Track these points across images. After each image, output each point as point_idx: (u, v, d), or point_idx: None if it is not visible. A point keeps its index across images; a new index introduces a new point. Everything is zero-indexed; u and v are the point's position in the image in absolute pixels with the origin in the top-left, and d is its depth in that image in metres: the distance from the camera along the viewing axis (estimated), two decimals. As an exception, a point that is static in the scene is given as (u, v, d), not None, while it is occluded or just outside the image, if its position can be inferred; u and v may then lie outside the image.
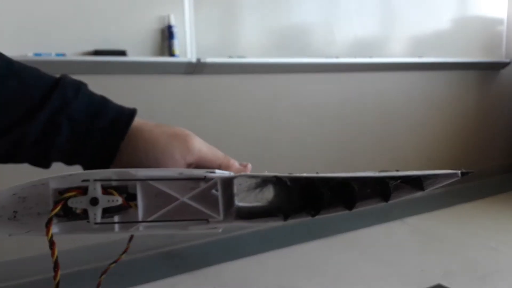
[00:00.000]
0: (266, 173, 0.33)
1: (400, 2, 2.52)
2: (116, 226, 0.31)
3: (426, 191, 0.30)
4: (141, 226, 0.31)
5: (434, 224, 2.21)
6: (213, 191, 0.32)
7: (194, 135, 0.39)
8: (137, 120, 0.40)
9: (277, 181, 0.32)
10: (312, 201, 0.31)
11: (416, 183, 0.31)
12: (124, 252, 0.40)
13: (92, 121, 0.38)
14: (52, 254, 0.29)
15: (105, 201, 0.30)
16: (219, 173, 0.32)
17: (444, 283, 1.57)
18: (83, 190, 0.30)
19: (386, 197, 0.31)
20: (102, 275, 0.41)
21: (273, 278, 1.65)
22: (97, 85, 1.72)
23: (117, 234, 0.32)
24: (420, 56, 2.60)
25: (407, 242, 1.99)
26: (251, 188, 0.35)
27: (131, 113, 0.40)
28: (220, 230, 0.32)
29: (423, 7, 2.62)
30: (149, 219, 0.31)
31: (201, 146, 0.39)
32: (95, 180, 0.30)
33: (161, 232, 0.32)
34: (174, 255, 1.89)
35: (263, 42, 2.12)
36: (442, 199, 2.64)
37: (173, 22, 1.82)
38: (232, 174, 0.33)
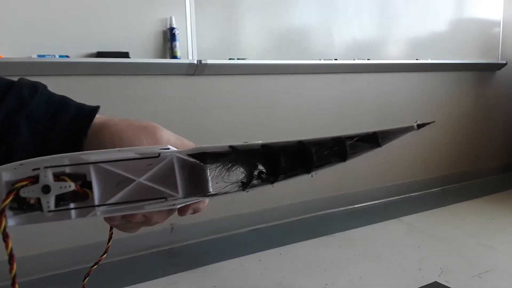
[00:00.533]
0: (221, 144, 0.31)
1: (397, 5, 2.54)
2: (72, 212, 0.30)
3: (383, 146, 0.30)
4: (98, 211, 0.30)
5: (431, 223, 2.23)
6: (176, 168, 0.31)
7: (162, 127, 0.38)
8: (101, 116, 0.39)
9: (233, 152, 0.30)
10: (270, 169, 0.31)
11: (372, 139, 0.31)
12: (105, 253, 0.39)
13: (52, 119, 0.37)
14: (6, 246, 0.28)
15: (57, 188, 0.29)
16: (173, 149, 0.30)
17: (441, 281, 1.58)
18: (34, 179, 0.29)
19: (343, 157, 0.30)
20: (85, 278, 0.40)
21: (272, 276, 1.66)
22: (100, 86, 1.76)
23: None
24: (417, 58, 2.62)
25: (404, 240, 2.00)
26: (218, 169, 0.33)
27: (93, 109, 0.39)
28: (178, 206, 0.31)
29: (421, 10, 2.64)
30: (106, 203, 0.30)
31: (169, 137, 0.37)
32: (46, 167, 0.29)
33: (118, 214, 0.31)
34: (175, 253, 1.90)
35: (263, 44, 2.14)
36: (439, 198, 2.66)
37: (174, 24, 1.83)
38: (186, 151, 0.31)
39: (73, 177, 0.30)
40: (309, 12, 2.25)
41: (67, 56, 1.65)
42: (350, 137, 0.31)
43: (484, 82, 3.04)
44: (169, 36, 1.83)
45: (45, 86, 0.39)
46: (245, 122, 2.13)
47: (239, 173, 0.32)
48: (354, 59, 2.38)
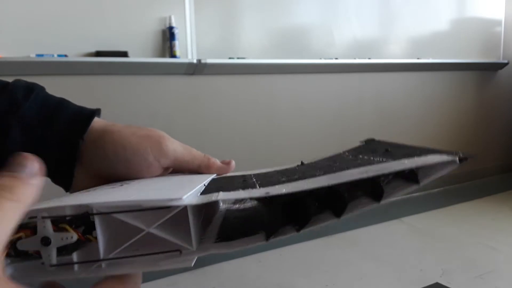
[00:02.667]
0: (239, 191, 0.28)
1: (398, 4, 2.54)
2: (76, 266, 0.27)
3: (422, 184, 0.26)
4: (103, 264, 0.27)
5: (432, 223, 2.22)
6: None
7: (168, 136, 0.36)
8: (102, 121, 0.37)
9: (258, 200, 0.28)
10: (296, 214, 0.28)
11: (410, 176, 0.27)
12: None
13: (47, 123, 0.35)
14: None
15: (59, 239, 0.26)
16: (187, 200, 0.26)
17: (442, 282, 1.58)
18: (32, 229, 0.26)
19: (378, 197, 0.27)
20: None
21: (272, 276, 1.66)
22: (98, 85, 1.75)
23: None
24: (418, 57, 2.61)
25: (405, 241, 2.00)
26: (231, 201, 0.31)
27: (92, 112, 0.37)
28: (192, 264, 0.27)
29: (422, 9, 2.63)
30: (111, 255, 0.26)
31: (176, 147, 0.36)
32: (43, 217, 0.26)
33: (128, 271, 0.27)
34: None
35: (263, 43, 2.13)
36: (441, 199, 2.66)
37: (174, 23, 1.83)
38: (201, 199, 0.27)
39: (72, 221, 0.27)
40: (309, 11, 2.24)
41: (65, 56, 1.65)
42: (385, 175, 0.26)
43: (486, 82, 3.03)
44: (169, 35, 1.83)
45: (42, 88, 0.37)
46: (245, 121, 2.12)
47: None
48: (355, 59, 2.37)
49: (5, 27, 1.57)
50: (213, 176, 0.41)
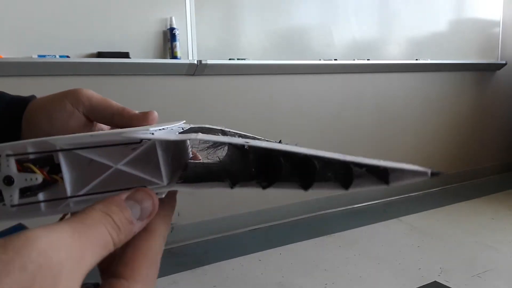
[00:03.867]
0: (219, 136, 0.28)
1: (397, 5, 2.55)
2: (42, 205, 0.25)
3: (390, 185, 0.27)
4: (71, 202, 0.26)
5: (431, 223, 2.23)
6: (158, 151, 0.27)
7: (86, 89, 0.37)
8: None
9: (233, 148, 0.27)
10: (267, 171, 0.27)
11: (382, 174, 0.27)
12: None
13: None
14: None
15: (22, 180, 0.24)
16: (158, 135, 0.25)
17: (440, 280, 1.58)
18: None
19: (346, 184, 0.27)
20: None
21: (272, 276, 1.66)
22: (100, 86, 1.76)
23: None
24: (417, 58, 2.63)
25: (404, 240, 2.00)
26: (204, 147, 0.30)
27: (30, 96, 0.39)
28: (163, 196, 0.26)
29: (420, 10, 2.65)
30: (80, 193, 0.25)
31: (91, 95, 0.37)
32: (8, 155, 0.25)
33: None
34: (175, 253, 1.91)
35: (263, 44, 2.14)
36: (439, 198, 2.67)
37: (175, 24, 1.84)
38: (179, 136, 0.26)
39: (38, 161, 0.25)
40: (309, 12, 2.25)
41: (67, 56, 1.65)
42: (359, 165, 0.27)
43: (484, 82, 3.04)
44: (169, 36, 1.84)
45: None
46: (245, 122, 2.13)
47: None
48: (354, 59, 2.39)
49: (7, 28, 1.58)
50: (188, 125, 0.41)
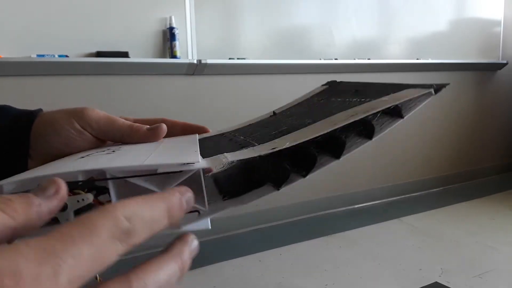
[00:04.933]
0: (245, 150, 0.28)
1: (397, 4, 2.54)
2: None
3: (405, 117, 0.28)
4: None
5: (431, 223, 2.23)
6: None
7: (91, 108, 0.38)
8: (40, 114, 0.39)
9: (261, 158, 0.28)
10: (298, 161, 0.28)
11: (395, 112, 0.29)
12: None
13: None
14: None
15: (75, 202, 0.26)
16: (198, 165, 0.26)
17: (441, 281, 1.58)
18: None
19: (370, 135, 0.29)
20: None
21: (272, 276, 1.66)
22: (99, 86, 1.75)
23: None
24: (418, 58, 2.62)
25: (404, 240, 2.00)
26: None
27: (34, 110, 0.39)
28: (209, 225, 0.28)
29: (421, 9, 2.64)
30: None
31: (99, 117, 0.38)
32: None
33: None
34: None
35: (263, 43, 2.13)
36: (440, 198, 2.66)
37: (174, 24, 1.83)
38: (211, 161, 0.27)
39: (84, 185, 0.27)
40: (309, 11, 2.24)
41: (66, 56, 1.65)
42: (375, 114, 0.28)
43: (485, 82, 3.04)
44: (169, 35, 1.83)
45: None
46: (245, 122, 2.13)
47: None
48: (355, 59, 2.38)
49: (6, 28, 1.57)
50: (196, 139, 0.41)
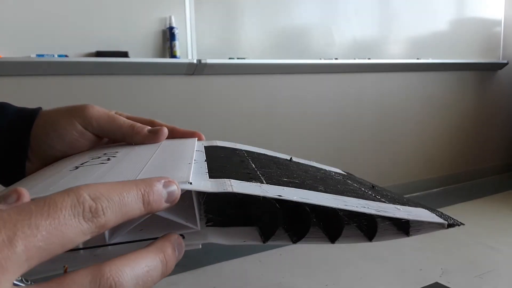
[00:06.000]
0: (252, 185, 0.27)
1: (398, 4, 2.54)
2: (81, 251, 0.26)
3: (410, 236, 0.27)
4: (109, 247, 0.26)
5: (432, 224, 2.22)
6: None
7: (92, 106, 0.38)
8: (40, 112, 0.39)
9: (263, 200, 0.27)
10: (295, 223, 0.27)
11: (403, 226, 0.27)
12: None
13: None
14: None
15: None
16: (192, 187, 0.25)
17: (442, 281, 1.58)
18: None
19: (370, 235, 0.27)
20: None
21: (272, 276, 1.66)
22: (99, 85, 1.75)
23: None
24: (418, 58, 2.62)
25: (405, 241, 1.99)
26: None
27: (36, 108, 0.39)
28: (200, 246, 0.27)
29: (421, 9, 2.64)
30: (115, 240, 0.26)
31: (100, 115, 0.38)
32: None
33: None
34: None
35: (263, 43, 2.13)
36: (440, 198, 2.66)
37: (174, 23, 1.83)
38: (213, 186, 0.26)
39: None
40: (309, 11, 2.24)
41: (66, 56, 1.65)
42: (384, 218, 0.26)
43: (485, 82, 3.03)
44: (169, 35, 1.83)
45: None
46: (245, 121, 2.12)
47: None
48: (355, 59, 2.38)
49: (6, 28, 1.57)
50: (199, 144, 0.41)
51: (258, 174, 0.31)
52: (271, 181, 0.29)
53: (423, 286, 1.55)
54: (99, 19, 1.72)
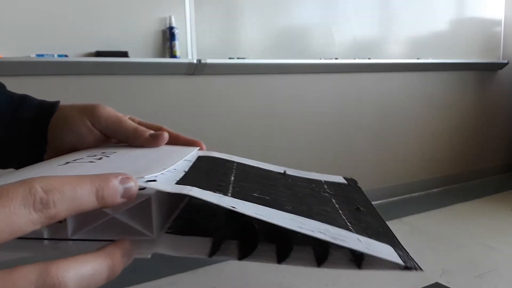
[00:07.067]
0: (210, 195, 0.27)
1: (398, 4, 2.54)
2: (46, 241, 0.27)
3: (361, 269, 0.27)
4: (71, 242, 0.27)
5: (432, 223, 2.22)
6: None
7: (103, 106, 0.40)
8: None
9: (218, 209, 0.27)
10: (244, 239, 0.27)
11: (356, 257, 0.27)
12: None
13: (14, 114, 0.41)
14: None
15: None
16: (151, 187, 0.26)
17: (442, 281, 1.58)
18: None
19: (320, 262, 0.27)
20: None
21: (272, 276, 1.66)
22: (99, 85, 1.75)
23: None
24: (418, 57, 2.61)
25: (405, 241, 1.98)
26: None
27: (53, 103, 0.42)
28: (149, 256, 0.27)
29: (421, 9, 2.63)
30: (76, 236, 0.27)
31: (109, 116, 0.40)
32: None
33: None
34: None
35: (263, 43, 2.13)
36: (440, 198, 2.66)
37: (174, 23, 1.83)
38: (171, 188, 0.27)
39: None
40: (309, 11, 2.24)
41: (66, 56, 1.65)
42: (339, 247, 0.26)
43: (485, 82, 3.03)
44: (169, 35, 1.83)
45: (3, 86, 0.43)
46: (245, 121, 2.12)
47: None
48: (355, 59, 2.38)
49: (6, 27, 1.57)
50: (196, 151, 0.42)
51: (228, 188, 0.31)
52: (238, 195, 0.29)
53: (423, 286, 1.55)
54: (99, 19, 1.72)
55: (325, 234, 0.26)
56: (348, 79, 2.43)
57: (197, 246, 0.28)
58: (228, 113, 2.07)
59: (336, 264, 0.27)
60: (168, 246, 0.27)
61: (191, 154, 0.39)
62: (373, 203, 0.37)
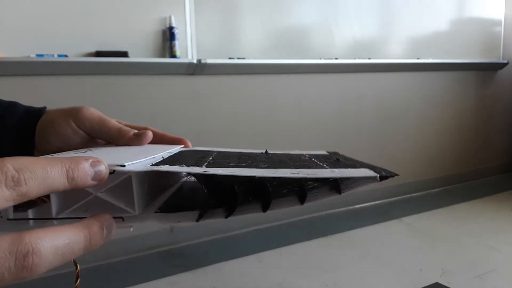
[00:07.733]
0: (180, 166, 0.29)
1: (398, 4, 2.54)
2: (31, 222, 0.29)
3: (343, 194, 0.28)
4: (55, 222, 0.29)
5: (432, 223, 2.22)
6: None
7: (88, 108, 0.41)
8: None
9: (193, 175, 0.29)
10: (226, 199, 0.29)
11: (334, 185, 0.29)
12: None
13: (1, 121, 0.41)
14: None
15: None
16: (129, 167, 0.27)
17: (442, 281, 1.58)
18: None
19: (302, 199, 0.28)
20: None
21: (273, 276, 1.65)
22: (99, 85, 1.75)
23: None
24: (418, 57, 2.61)
25: (405, 241, 2.00)
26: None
27: (40, 109, 0.43)
28: (131, 230, 0.29)
29: (422, 9, 2.63)
30: (62, 215, 0.28)
31: (92, 117, 0.41)
32: None
33: None
34: (174, 253, 1.90)
35: (263, 43, 2.13)
36: (440, 198, 2.66)
37: (174, 23, 1.83)
38: (145, 168, 0.28)
39: None
40: (309, 11, 2.24)
41: (65, 56, 1.65)
42: (310, 180, 0.28)
43: (485, 82, 3.03)
44: (169, 35, 1.83)
45: None
46: (245, 121, 2.12)
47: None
48: (355, 59, 2.37)
49: (5, 27, 1.57)
50: (179, 147, 0.43)
51: (202, 162, 0.32)
52: (212, 166, 0.30)
53: (423, 286, 1.55)
54: (99, 19, 1.72)
55: (298, 174, 0.28)
56: (348, 79, 2.43)
57: (184, 216, 0.29)
58: (228, 113, 2.07)
59: (317, 197, 0.28)
60: (156, 220, 0.29)
61: (173, 149, 0.40)
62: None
